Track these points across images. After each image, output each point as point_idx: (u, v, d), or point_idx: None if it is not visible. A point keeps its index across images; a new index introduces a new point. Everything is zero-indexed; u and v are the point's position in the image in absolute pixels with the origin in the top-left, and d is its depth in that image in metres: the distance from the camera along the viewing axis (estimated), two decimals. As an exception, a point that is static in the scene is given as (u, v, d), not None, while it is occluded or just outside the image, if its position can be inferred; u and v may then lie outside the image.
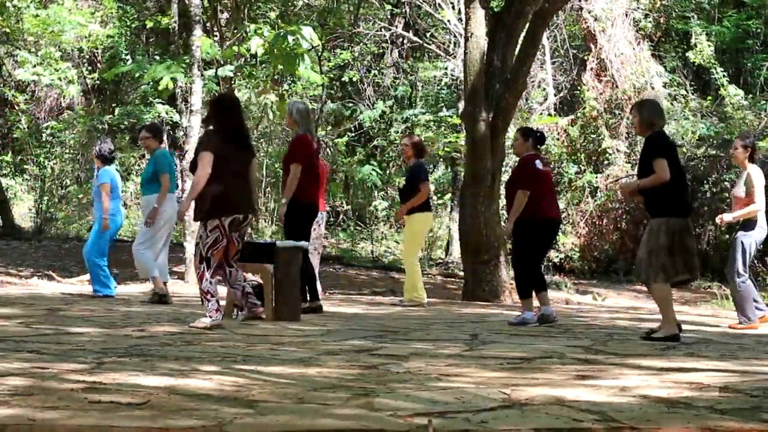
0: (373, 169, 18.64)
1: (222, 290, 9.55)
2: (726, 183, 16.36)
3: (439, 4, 19.59)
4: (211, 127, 6.76)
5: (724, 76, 18.07)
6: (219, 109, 6.68)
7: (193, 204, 6.65)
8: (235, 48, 15.54)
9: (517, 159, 8.49)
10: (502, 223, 11.33)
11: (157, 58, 17.76)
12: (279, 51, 13.27)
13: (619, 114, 17.72)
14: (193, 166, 6.58)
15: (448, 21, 19.28)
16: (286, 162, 8.33)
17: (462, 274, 12.65)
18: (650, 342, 6.33)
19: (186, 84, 14.51)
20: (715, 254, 17.51)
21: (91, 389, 3.50)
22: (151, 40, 21.22)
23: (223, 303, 7.00)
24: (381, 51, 23.02)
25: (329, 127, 21.27)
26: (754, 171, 8.18)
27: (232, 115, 6.67)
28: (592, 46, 18.39)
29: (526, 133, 8.08)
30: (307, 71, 14.03)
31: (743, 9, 20.53)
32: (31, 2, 17.28)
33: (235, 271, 6.81)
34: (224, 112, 6.65)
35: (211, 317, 6.42)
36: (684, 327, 8.19)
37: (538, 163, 7.89)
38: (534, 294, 7.81)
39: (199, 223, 6.66)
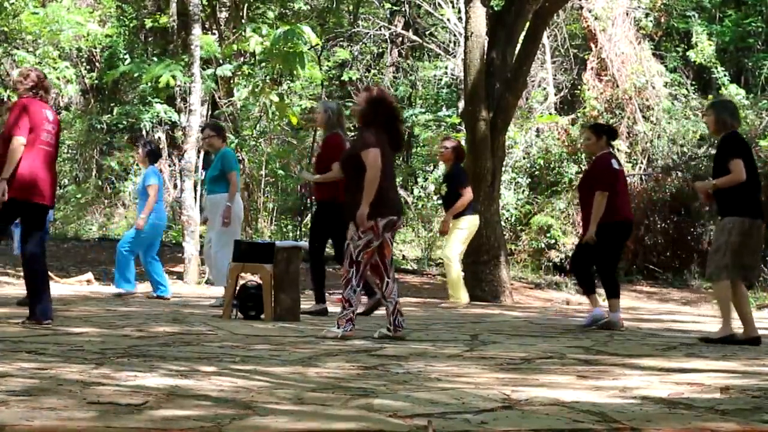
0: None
1: (221, 290, 9.53)
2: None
3: (438, 3, 19.58)
4: (368, 125, 6.20)
5: (725, 75, 18.05)
6: (379, 108, 6.23)
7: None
8: (235, 46, 15.51)
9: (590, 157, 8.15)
10: (502, 223, 11.25)
11: (156, 58, 17.74)
12: (279, 50, 13.28)
13: (620, 113, 17.71)
14: (349, 166, 6.15)
15: (448, 20, 19.27)
16: (324, 162, 8.18)
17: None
18: (709, 343, 6.28)
19: (184, 83, 14.50)
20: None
21: (90, 390, 3.48)
22: (150, 39, 21.21)
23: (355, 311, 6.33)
24: (381, 50, 23.02)
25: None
26: None
27: (389, 112, 6.28)
28: (593, 45, 18.37)
29: (598, 130, 7.69)
30: (309, 71, 14.03)
31: (744, 8, 20.52)
32: (30, 1, 17.26)
33: (392, 283, 6.23)
34: (382, 108, 6.23)
35: (340, 326, 5.98)
36: (685, 327, 8.21)
37: (614, 162, 7.53)
38: (593, 295, 7.56)
39: (350, 223, 6.10)
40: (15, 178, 6.16)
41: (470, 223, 10.02)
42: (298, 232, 18.97)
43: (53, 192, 6.48)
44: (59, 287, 10.98)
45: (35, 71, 6.54)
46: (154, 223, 9.84)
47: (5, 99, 18.57)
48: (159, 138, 18.90)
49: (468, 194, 9.80)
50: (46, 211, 6.47)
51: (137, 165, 20.21)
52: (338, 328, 6.01)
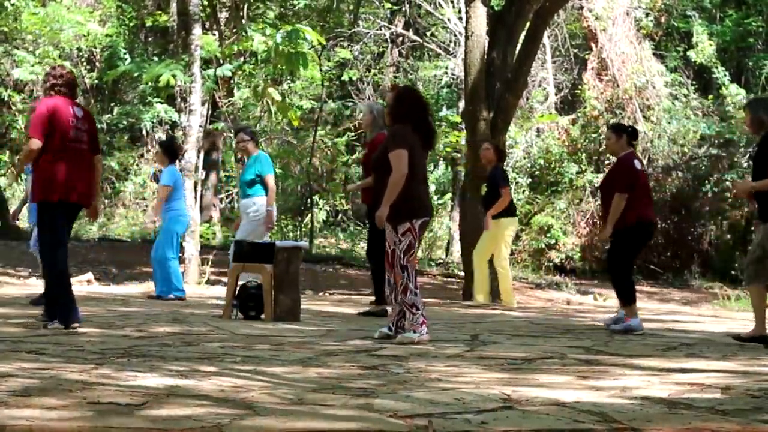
0: (373, 169, 18.63)
1: (222, 290, 9.53)
2: (727, 183, 16.35)
3: (439, 3, 19.59)
4: (398, 123, 6.05)
5: (725, 75, 18.05)
6: (407, 104, 6.09)
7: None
8: (235, 47, 15.51)
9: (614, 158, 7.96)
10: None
11: (156, 58, 17.74)
12: (282, 50, 13.32)
13: (620, 113, 17.72)
14: (379, 165, 6.01)
15: (449, 20, 19.28)
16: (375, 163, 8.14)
17: (462, 274, 12.61)
18: (739, 342, 6.29)
19: (185, 83, 14.51)
20: (716, 254, 17.50)
21: (90, 390, 3.48)
22: (150, 39, 21.21)
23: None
24: (381, 50, 23.02)
25: (328, 127, 21.27)
26: None
27: (421, 110, 6.14)
28: (593, 45, 18.38)
29: (619, 130, 7.62)
30: (309, 71, 14.05)
31: (744, 8, 20.52)
32: (30, 1, 17.27)
33: None
34: (413, 106, 6.09)
35: (416, 332, 5.83)
36: (685, 327, 8.21)
37: (637, 163, 7.44)
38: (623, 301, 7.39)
39: (388, 227, 5.96)
40: (39, 180, 6.00)
41: (513, 226, 10.22)
42: (298, 232, 18.98)
43: (87, 189, 6.23)
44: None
45: (60, 68, 6.37)
46: (176, 217, 9.66)
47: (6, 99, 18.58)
48: (159, 138, 18.88)
49: (507, 194, 9.88)
50: (73, 209, 6.26)
51: (137, 165, 20.22)
52: (414, 333, 5.86)
